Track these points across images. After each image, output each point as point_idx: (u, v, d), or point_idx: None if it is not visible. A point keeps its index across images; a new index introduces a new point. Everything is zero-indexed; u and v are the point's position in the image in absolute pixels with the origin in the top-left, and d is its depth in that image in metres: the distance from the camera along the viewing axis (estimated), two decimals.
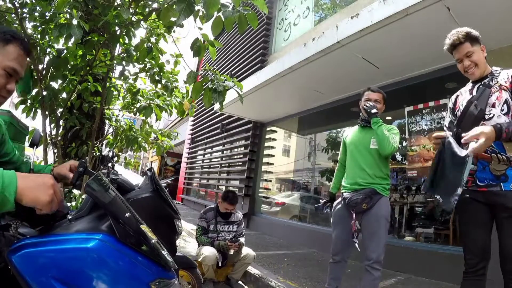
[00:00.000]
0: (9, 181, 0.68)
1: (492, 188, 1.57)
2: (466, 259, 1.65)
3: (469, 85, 1.81)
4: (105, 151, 3.05)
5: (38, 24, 2.60)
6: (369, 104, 2.28)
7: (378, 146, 2.21)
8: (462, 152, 1.37)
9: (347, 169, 2.41)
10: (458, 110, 1.77)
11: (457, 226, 3.70)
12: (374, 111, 2.24)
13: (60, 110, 3.26)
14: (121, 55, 3.22)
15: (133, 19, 2.69)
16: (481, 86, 1.68)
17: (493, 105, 1.61)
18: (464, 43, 1.66)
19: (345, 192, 2.35)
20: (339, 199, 2.43)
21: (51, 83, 2.91)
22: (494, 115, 1.60)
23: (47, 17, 2.41)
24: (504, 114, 1.58)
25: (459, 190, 1.36)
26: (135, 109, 3.66)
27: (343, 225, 2.29)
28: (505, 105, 1.59)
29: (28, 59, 1.02)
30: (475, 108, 1.62)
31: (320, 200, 2.58)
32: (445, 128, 1.88)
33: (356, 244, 2.24)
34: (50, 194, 0.73)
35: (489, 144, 1.40)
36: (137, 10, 2.76)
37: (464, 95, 1.79)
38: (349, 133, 2.53)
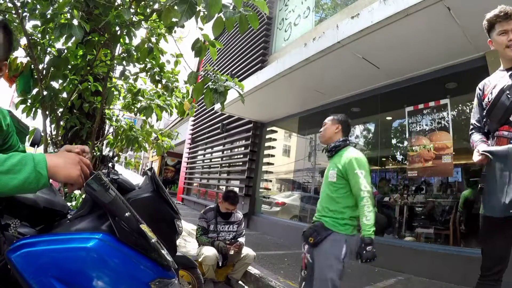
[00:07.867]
0: (39, 158, 0.74)
1: None
2: (482, 263, 1.55)
3: (498, 73, 1.67)
4: (106, 151, 3.05)
5: (38, 23, 2.60)
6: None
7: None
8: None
9: None
10: (487, 99, 1.63)
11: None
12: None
13: (61, 110, 3.26)
14: (121, 55, 3.22)
15: (134, 19, 2.69)
16: None
17: None
18: None
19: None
20: None
21: (51, 82, 2.91)
22: None
23: (47, 17, 2.42)
24: None
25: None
26: (135, 109, 3.67)
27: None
28: None
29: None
30: (507, 98, 1.51)
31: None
32: (472, 127, 1.73)
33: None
34: (79, 169, 0.81)
35: None
36: (138, 10, 2.76)
37: (492, 83, 1.64)
38: None
